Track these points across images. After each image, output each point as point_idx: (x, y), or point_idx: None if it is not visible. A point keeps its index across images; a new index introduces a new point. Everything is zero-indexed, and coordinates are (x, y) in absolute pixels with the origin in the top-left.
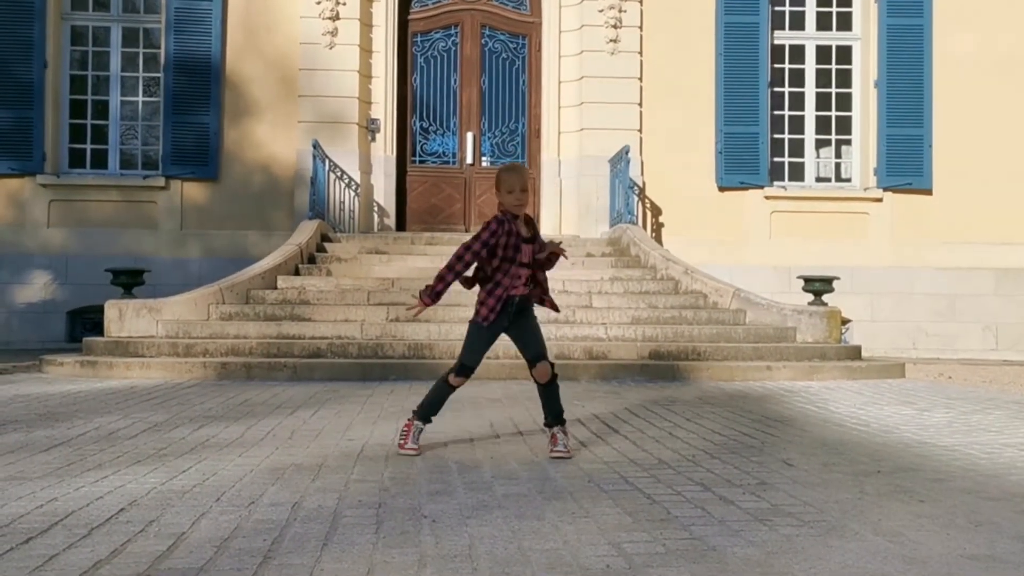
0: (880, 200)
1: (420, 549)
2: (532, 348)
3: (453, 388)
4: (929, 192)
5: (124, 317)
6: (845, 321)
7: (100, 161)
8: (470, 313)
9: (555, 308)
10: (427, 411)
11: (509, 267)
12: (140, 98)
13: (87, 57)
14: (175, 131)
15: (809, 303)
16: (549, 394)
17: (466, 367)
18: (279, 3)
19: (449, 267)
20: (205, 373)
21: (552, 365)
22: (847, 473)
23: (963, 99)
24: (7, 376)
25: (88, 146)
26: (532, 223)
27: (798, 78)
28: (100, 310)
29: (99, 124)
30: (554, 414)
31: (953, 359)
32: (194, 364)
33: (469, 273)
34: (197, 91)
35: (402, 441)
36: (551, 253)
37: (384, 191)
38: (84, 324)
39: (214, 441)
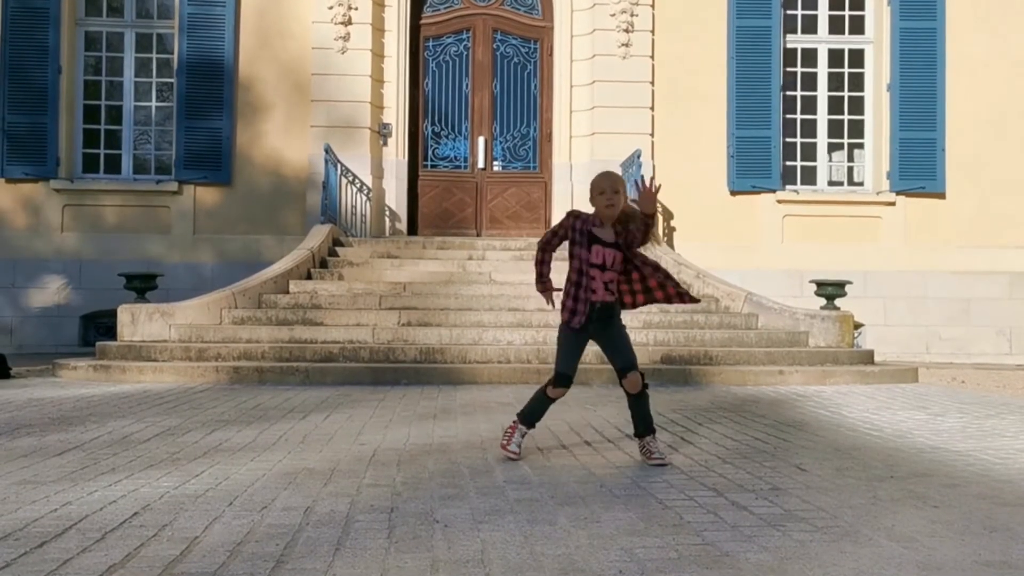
0: (893, 204)
1: (432, 554)
2: (622, 358)
3: (552, 400)
4: (942, 196)
5: (137, 321)
6: (858, 325)
7: (113, 166)
8: (482, 318)
9: (681, 300)
10: (529, 417)
11: (582, 267)
12: (153, 103)
13: (101, 62)
14: (188, 135)
15: (821, 307)
16: (640, 405)
17: (560, 375)
18: (291, 8)
19: (537, 257)
20: (217, 377)
21: (643, 376)
22: (860, 478)
23: (976, 102)
24: (21, 380)
25: (102, 151)
26: (628, 231)
27: (810, 82)
28: (113, 314)
29: (112, 129)
30: (645, 424)
31: (967, 363)
32: (206, 368)
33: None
34: (210, 96)
35: (504, 442)
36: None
37: (396, 195)
38: (97, 328)
39: (227, 445)
